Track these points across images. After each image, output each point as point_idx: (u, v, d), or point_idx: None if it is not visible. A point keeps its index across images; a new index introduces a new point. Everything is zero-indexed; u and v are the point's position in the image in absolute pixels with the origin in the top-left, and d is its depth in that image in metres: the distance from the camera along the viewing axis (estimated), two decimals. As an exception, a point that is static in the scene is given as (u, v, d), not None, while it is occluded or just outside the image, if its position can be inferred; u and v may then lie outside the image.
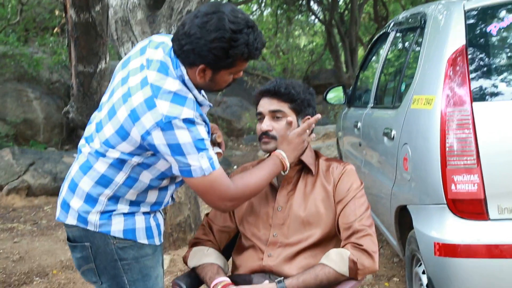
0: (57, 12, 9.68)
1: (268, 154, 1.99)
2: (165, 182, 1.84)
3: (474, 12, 2.41)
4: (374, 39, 4.53)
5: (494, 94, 2.24)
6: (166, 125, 1.61)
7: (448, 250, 2.15)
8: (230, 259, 2.15)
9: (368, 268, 1.82)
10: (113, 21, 3.99)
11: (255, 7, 17.35)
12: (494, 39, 2.36)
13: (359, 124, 3.83)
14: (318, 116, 2.00)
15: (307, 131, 1.96)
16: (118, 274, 1.80)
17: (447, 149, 2.16)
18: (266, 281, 1.86)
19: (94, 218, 1.76)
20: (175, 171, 1.71)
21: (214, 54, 1.63)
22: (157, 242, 1.88)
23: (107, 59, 3.76)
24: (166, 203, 1.93)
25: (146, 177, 1.77)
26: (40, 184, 6.86)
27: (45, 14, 11.43)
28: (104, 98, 1.84)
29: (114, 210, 1.78)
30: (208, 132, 1.76)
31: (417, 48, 2.79)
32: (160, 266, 1.92)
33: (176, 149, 1.63)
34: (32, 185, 6.83)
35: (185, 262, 2.08)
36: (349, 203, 1.93)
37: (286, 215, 1.99)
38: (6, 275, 4.06)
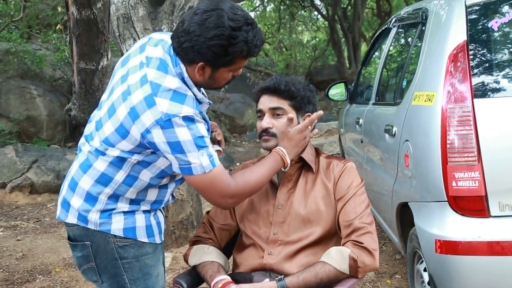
0: (59, 9, 9.66)
1: (268, 152, 1.99)
2: (165, 181, 1.84)
3: (476, 8, 2.39)
4: (376, 35, 4.51)
5: (495, 90, 2.23)
6: (166, 123, 1.61)
7: (449, 247, 2.15)
8: (231, 257, 2.15)
9: (369, 266, 1.82)
10: (114, 17, 3.98)
11: (258, 2, 17.34)
12: (495, 34, 2.34)
13: (360, 121, 3.82)
14: (320, 112, 1.99)
15: (309, 127, 1.95)
16: (118, 273, 1.80)
17: (448, 145, 2.15)
18: (267, 279, 1.86)
19: (94, 217, 1.76)
20: (175, 168, 1.70)
21: (213, 51, 1.63)
22: (157, 240, 1.87)
23: (109, 56, 3.77)
24: (166, 202, 1.93)
25: (146, 175, 1.77)
26: (43, 182, 6.88)
27: (48, 11, 11.41)
28: (104, 97, 1.84)
29: (114, 209, 1.78)
30: (208, 130, 1.76)
31: (419, 44, 2.78)
32: (161, 265, 1.92)
33: (176, 147, 1.63)
34: (35, 183, 6.84)
35: (186, 261, 2.08)
36: (349, 200, 1.92)
37: (286, 213, 1.99)
38: (9, 273, 4.07)
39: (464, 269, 2.14)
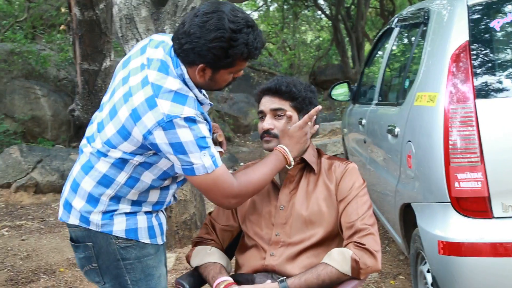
0: (63, 10, 9.70)
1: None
2: (166, 182, 1.84)
3: (478, 8, 2.38)
4: (378, 35, 4.50)
5: (497, 91, 2.22)
6: (167, 124, 1.61)
7: (452, 248, 2.14)
8: (234, 258, 2.15)
9: (371, 268, 1.81)
10: (117, 18, 3.99)
11: (261, 2, 17.33)
12: (497, 34, 2.33)
13: (363, 121, 3.81)
14: (319, 107, 1.98)
15: (309, 123, 1.94)
16: (120, 274, 1.81)
17: (450, 146, 2.15)
18: (269, 281, 1.86)
19: (96, 218, 1.77)
20: (178, 169, 1.71)
21: (214, 53, 1.63)
22: (159, 241, 1.88)
23: (112, 56, 3.78)
24: (168, 203, 1.93)
25: (147, 177, 1.78)
26: (48, 182, 6.90)
27: (52, 11, 11.46)
28: (105, 98, 1.85)
29: (116, 210, 1.78)
30: (210, 130, 1.76)
31: (421, 44, 2.77)
32: (163, 266, 1.92)
33: (178, 148, 1.63)
34: (40, 183, 6.86)
35: (188, 262, 2.08)
36: (351, 202, 1.92)
37: (288, 214, 1.99)
38: (13, 272, 4.09)
39: (467, 271, 2.13)
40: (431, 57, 2.49)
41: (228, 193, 1.75)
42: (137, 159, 1.72)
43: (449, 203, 2.17)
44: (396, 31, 3.65)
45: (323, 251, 1.92)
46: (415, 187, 2.47)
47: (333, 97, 4.63)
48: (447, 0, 2.62)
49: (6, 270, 4.15)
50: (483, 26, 2.36)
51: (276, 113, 1.98)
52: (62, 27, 10.29)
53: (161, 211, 1.94)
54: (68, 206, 1.81)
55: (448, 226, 2.18)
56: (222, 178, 1.71)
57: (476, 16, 2.37)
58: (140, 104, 1.64)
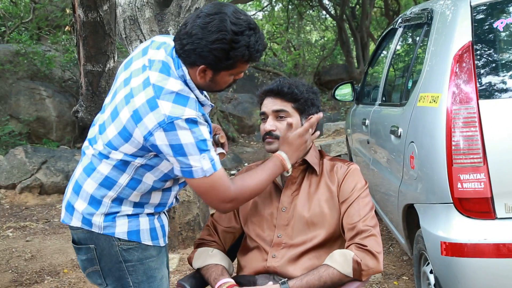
0: (68, 11, 9.73)
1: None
2: (168, 184, 1.84)
3: (481, 8, 2.37)
4: (382, 35, 4.49)
5: (500, 91, 2.21)
6: (168, 125, 1.61)
7: (455, 249, 2.13)
8: (236, 260, 2.15)
9: (373, 269, 1.81)
10: (121, 19, 4.00)
11: (266, 2, 17.33)
12: (501, 35, 2.33)
13: (367, 122, 3.81)
14: (320, 115, 1.98)
15: (310, 130, 1.95)
16: (123, 276, 1.81)
17: (453, 147, 2.14)
18: (270, 282, 1.86)
19: (98, 220, 1.77)
20: (177, 171, 1.71)
21: (215, 55, 1.63)
22: (161, 243, 1.88)
23: (116, 58, 3.78)
24: (170, 204, 1.93)
25: (149, 178, 1.78)
26: (53, 183, 6.93)
27: (57, 12, 11.49)
28: (107, 100, 1.85)
29: (118, 212, 1.78)
30: (210, 133, 1.76)
31: (424, 45, 2.76)
32: (165, 267, 1.93)
33: (178, 150, 1.64)
34: (44, 184, 6.89)
35: (190, 263, 2.08)
36: (353, 203, 1.92)
37: (290, 216, 1.99)
38: (18, 274, 4.10)
39: (469, 272, 2.12)
40: (434, 57, 2.48)
41: (224, 197, 1.75)
42: (138, 161, 1.72)
43: (452, 204, 2.16)
44: (399, 31, 3.64)
45: (325, 252, 1.92)
46: (418, 187, 2.46)
47: (337, 97, 4.62)
48: (451, 0, 2.61)
49: (10, 271, 4.17)
50: (486, 27, 2.35)
51: (278, 114, 1.98)
52: (67, 28, 10.32)
53: (163, 212, 1.94)
54: (70, 208, 1.82)
55: (450, 227, 2.18)
56: (219, 182, 1.71)
57: (480, 16, 2.36)
58: (142, 105, 1.64)
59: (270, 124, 1.98)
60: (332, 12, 15.68)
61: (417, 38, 3.09)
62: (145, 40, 3.86)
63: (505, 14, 2.34)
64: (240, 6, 16.11)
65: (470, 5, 2.37)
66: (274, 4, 17.07)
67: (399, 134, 2.75)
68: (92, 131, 1.85)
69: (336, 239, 1.97)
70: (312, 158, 2.03)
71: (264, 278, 1.93)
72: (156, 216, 1.87)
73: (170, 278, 2.48)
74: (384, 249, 4.07)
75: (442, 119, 2.19)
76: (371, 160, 3.70)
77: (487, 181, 2.10)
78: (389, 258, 3.90)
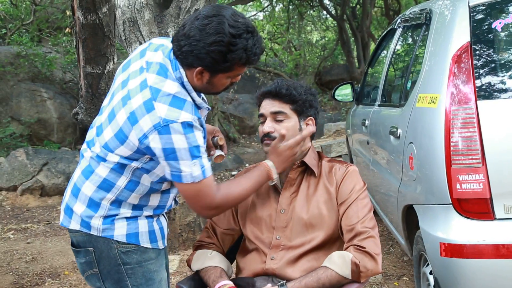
0: (68, 13, 9.74)
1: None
2: (165, 185, 1.84)
3: (480, 8, 2.37)
4: (382, 36, 4.49)
5: (499, 92, 2.21)
6: (163, 128, 1.61)
7: (454, 250, 2.13)
8: (235, 262, 2.15)
9: (371, 271, 1.81)
10: (120, 21, 4.00)
11: (266, 2, 17.32)
12: (499, 35, 2.32)
13: (366, 122, 3.81)
14: (312, 129, 2.00)
15: (302, 142, 1.95)
16: (121, 278, 1.81)
17: (451, 148, 2.14)
18: (269, 285, 1.85)
19: (97, 223, 1.77)
20: (167, 174, 1.71)
21: (212, 57, 1.63)
22: (160, 245, 1.88)
23: (115, 60, 3.77)
24: (169, 207, 1.93)
25: (147, 180, 1.78)
26: (54, 184, 6.93)
27: (58, 14, 11.50)
28: (105, 102, 1.85)
29: (117, 215, 1.78)
30: (204, 137, 1.76)
31: (423, 45, 2.76)
32: (164, 270, 1.92)
33: (170, 154, 1.64)
34: (45, 185, 6.90)
35: (189, 265, 2.08)
36: (351, 204, 1.92)
37: (289, 218, 1.99)
38: (18, 276, 4.10)
39: (469, 273, 2.12)
40: (432, 58, 2.48)
41: (208, 204, 1.76)
42: (135, 164, 1.73)
43: (451, 205, 2.16)
44: (399, 31, 3.64)
45: (323, 254, 1.92)
46: (417, 188, 2.46)
47: (337, 98, 4.62)
48: (450, 0, 2.61)
49: (11, 273, 4.17)
50: (485, 27, 2.35)
51: (277, 116, 1.98)
52: (67, 29, 10.32)
53: (162, 215, 1.94)
54: (69, 211, 1.82)
55: (450, 227, 2.17)
56: (206, 189, 1.73)
57: (478, 16, 2.36)
58: (138, 107, 1.65)
59: (268, 126, 1.98)
60: (333, 12, 15.65)
61: (416, 39, 3.09)
62: (145, 41, 3.86)
63: (503, 14, 2.34)
64: (240, 6, 16.10)
65: (469, 5, 2.37)
66: (275, 5, 17.05)
67: (398, 135, 2.75)
68: (90, 134, 1.86)
69: (334, 240, 1.97)
70: (310, 159, 2.03)
71: (263, 280, 1.93)
72: (155, 219, 1.87)
73: (171, 280, 2.48)
74: (385, 249, 4.07)
75: (440, 120, 2.19)
76: (371, 160, 3.70)
77: (486, 182, 2.10)
78: (389, 258, 3.90)
